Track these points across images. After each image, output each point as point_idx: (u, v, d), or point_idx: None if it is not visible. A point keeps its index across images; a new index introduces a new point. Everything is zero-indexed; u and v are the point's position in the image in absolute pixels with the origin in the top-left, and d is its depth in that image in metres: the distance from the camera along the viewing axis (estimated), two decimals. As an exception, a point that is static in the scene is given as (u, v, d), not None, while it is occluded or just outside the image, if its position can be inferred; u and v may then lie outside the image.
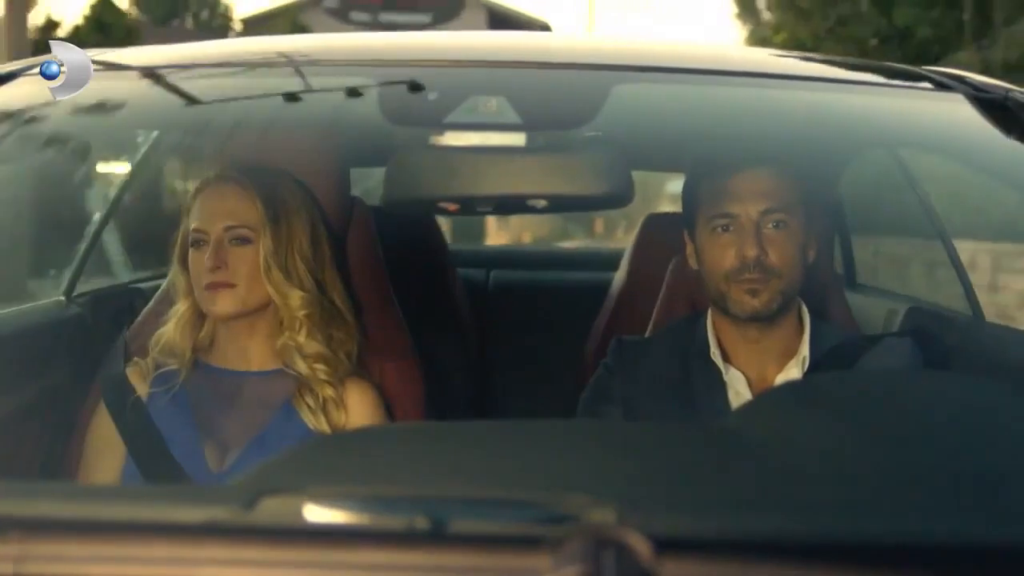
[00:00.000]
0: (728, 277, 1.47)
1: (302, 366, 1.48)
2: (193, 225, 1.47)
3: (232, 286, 1.44)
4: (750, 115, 1.55)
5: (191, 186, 1.57)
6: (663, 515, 0.71)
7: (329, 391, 1.48)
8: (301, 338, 1.48)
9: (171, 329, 1.51)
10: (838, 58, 1.71)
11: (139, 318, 1.68)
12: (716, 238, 1.48)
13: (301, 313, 1.47)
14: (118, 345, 1.58)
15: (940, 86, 1.49)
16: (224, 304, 1.45)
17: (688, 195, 1.56)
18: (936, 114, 1.50)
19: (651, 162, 2.61)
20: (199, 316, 1.50)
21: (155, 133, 2.21)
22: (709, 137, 1.66)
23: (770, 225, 1.46)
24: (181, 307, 1.51)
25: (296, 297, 1.47)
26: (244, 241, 1.46)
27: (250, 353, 1.51)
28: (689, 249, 1.57)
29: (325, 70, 1.48)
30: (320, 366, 1.48)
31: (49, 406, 1.66)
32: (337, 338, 1.51)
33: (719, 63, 1.56)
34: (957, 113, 1.47)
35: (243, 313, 1.47)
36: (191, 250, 1.47)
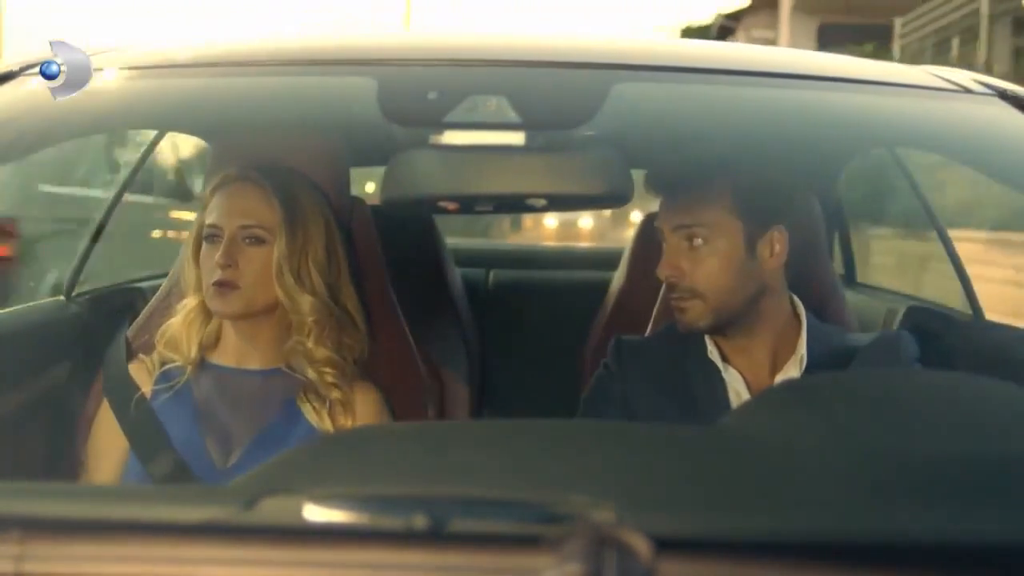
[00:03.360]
0: (666, 293, 1.52)
1: (309, 370, 1.49)
2: (208, 220, 1.47)
3: (238, 287, 1.44)
4: (750, 114, 1.55)
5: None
6: (663, 515, 0.71)
7: (336, 393, 1.49)
8: (310, 343, 1.48)
9: (178, 323, 1.51)
10: (838, 57, 1.71)
11: (141, 316, 1.68)
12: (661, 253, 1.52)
13: (310, 319, 1.47)
14: (120, 343, 1.58)
15: (939, 85, 1.49)
16: (228, 304, 1.45)
17: None
18: (936, 113, 1.50)
19: (651, 161, 2.60)
20: (206, 312, 1.50)
21: (155, 133, 2.21)
22: (708, 136, 1.66)
23: (684, 243, 1.46)
24: (190, 302, 1.51)
25: (306, 302, 1.47)
26: (258, 241, 1.46)
27: (255, 351, 1.51)
28: None
29: (325, 70, 1.48)
30: (328, 370, 1.48)
31: (49, 406, 1.66)
32: (347, 344, 1.51)
33: (719, 62, 1.56)
34: (957, 112, 1.47)
35: (248, 314, 1.47)
36: (204, 245, 1.48)
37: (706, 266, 1.45)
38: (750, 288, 1.47)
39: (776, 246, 1.48)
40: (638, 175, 1.58)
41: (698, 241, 1.45)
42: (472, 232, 4.92)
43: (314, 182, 1.55)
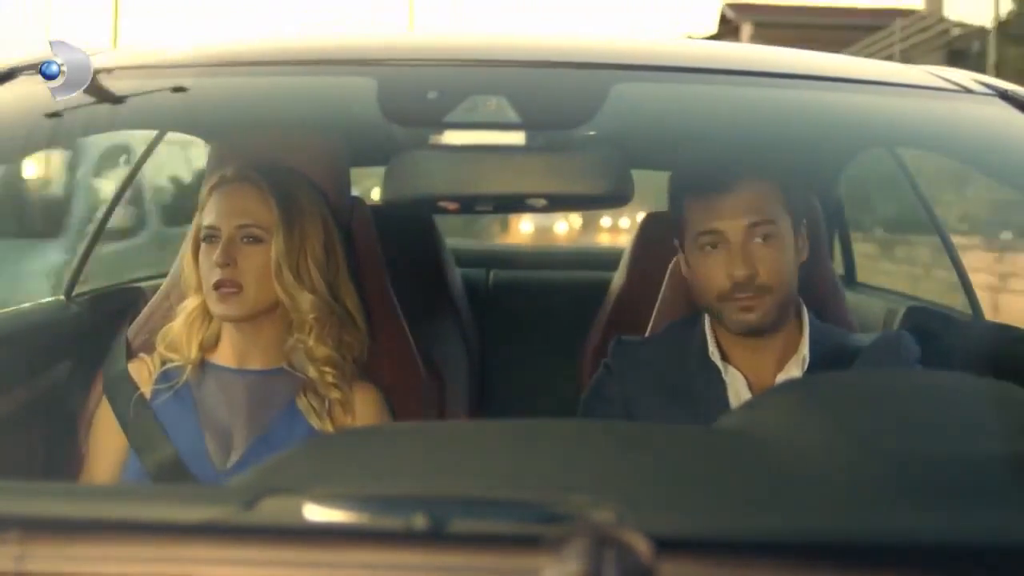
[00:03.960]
0: (720, 297, 1.45)
1: (310, 369, 1.49)
2: (206, 221, 1.47)
3: (239, 288, 1.44)
4: (750, 114, 1.55)
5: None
6: (663, 515, 0.71)
7: (336, 394, 1.49)
8: (311, 341, 1.48)
9: (179, 324, 1.51)
10: (838, 57, 1.71)
11: (141, 315, 1.69)
12: (704, 256, 1.46)
13: (311, 316, 1.47)
14: (120, 342, 1.58)
15: (939, 85, 1.49)
16: (231, 307, 1.45)
17: (673, 206, 1.53)
18: (936, 113, 1.50)
19: (651, 161, 2.61)
20: (207, 313, 1.50)
21: (155, 133, 2.21)
22: (708, 136, 1.66)
23: (757, 239, 1.44)
24: (190, 303, 1.51)
25: (306, 300, 1.47)
26: (256, 241, 1.46)
27: (255, 351, 1.51)
28: (681, 258, 1.55)
29: (325, 70, 1.48)
30: (328, 369, 1.48)
31: (49, 406, 1.66)
32: (347, 343, 1.51)
33: (719, 62, 1.56)
34: (957, 112, 1.47)
35: (251, 316, 1.47)
36: (202, 246, 1.48)
37: (778, 262, 1.45)
38: (796, 284, 1.49)
39: (806, 241, 1.51)
40: (638, 175, 1.58)
41: (771, 236, 1.44)
42: (465, 234, 5.01)
43: (312, 181, 1.55)
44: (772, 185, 1.47)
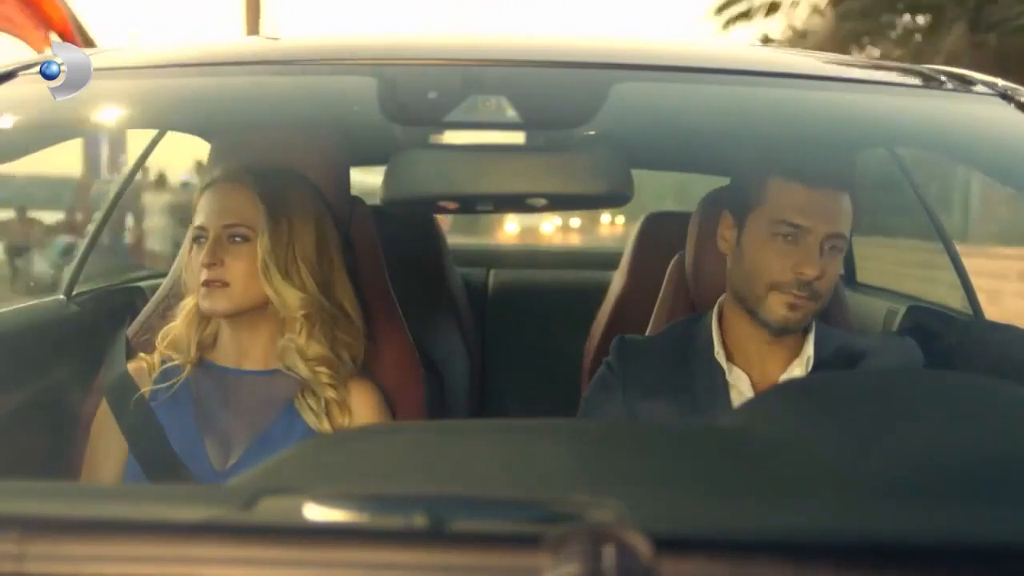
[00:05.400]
0: (773, 286, 1.44)
1: (303, 368, 1.48)
2: (196, 222, 1.48)
3: (225, 284, 1.45)
4: (750, 114, 1.55)
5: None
6: (663, 515, 0.71)
7: (331, 393, 1.48)
8: (301, 340, 1.48)
9: (179, 324, 1.52)
10: (838, 57, 1.71)
11: (141, 315, 1.69)
12: (773, 243, 1.45)
13: (299, 314, 1.47)
14: (119, 342, 1.58)
15: (940, 84, 1.48)
16: (216, 302, 1.45)
17: (750, 183, 1.51)
18: (936, 113, 1.50)
19: (651, 161, 2.61)
20: (204, 313, 1.51)
21: (155, 133, 2.21)
22: (709, 136, 1.66)
23: (828, 246, 1.44)
24: (190, 303, 1.52)
25: (294, 297, 1.47)
26: (242, 239, 1.46)
27: (252, 352, 1.51)
28: (728, 233, 1.53)
29: (325, 70, 1.48)
30: (322, 368, 1.48)
31: (49, 405, 1.66)
32: (342, 341, 1.51)
33: (719, 62, 1.56)
34: (957, 112, 1.47)
35: (237, 312, 1.47)
36: (193, 246, 1.49)
37: (835, 274, 1.47)
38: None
39: None
40: (638, 175, 1.58)
41: (836, 251, 1.45)
42: (464, 233, 5.05)
43: (308, 180, 1.55)
44: (851, 202, 1.47)
